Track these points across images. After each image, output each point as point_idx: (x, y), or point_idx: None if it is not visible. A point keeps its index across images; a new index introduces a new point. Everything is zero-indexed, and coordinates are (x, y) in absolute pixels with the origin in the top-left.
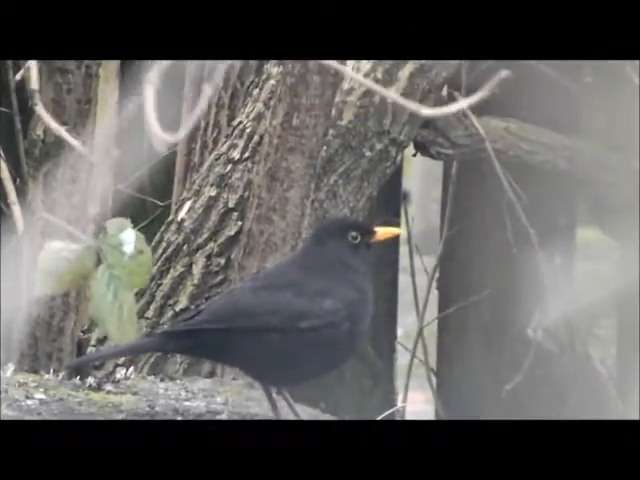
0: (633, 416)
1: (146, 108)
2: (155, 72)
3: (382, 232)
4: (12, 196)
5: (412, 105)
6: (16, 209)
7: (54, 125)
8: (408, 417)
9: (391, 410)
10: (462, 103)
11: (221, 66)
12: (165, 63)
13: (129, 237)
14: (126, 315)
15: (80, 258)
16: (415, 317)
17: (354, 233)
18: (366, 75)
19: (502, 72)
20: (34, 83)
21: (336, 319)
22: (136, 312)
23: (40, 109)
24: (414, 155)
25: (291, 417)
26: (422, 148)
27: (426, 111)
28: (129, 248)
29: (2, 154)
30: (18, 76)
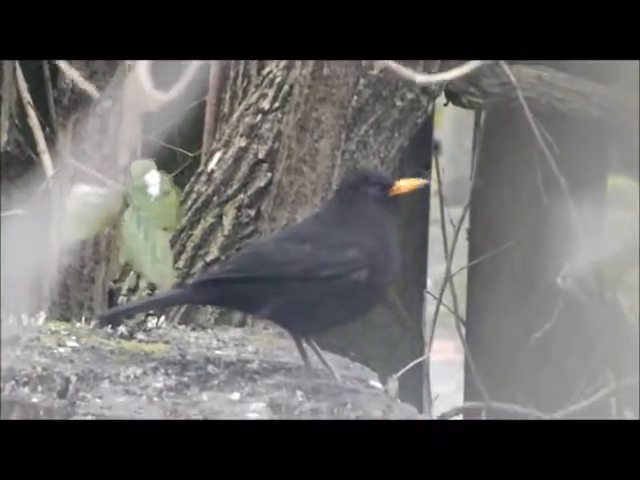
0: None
1: (138, 67)
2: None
3: (399, 185)
4: (41, 144)
5: (406, 72)
6: (45, 158)
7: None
8: (438, 366)
9: (419, 359)
10: (454, 72)
11: None
12: None
13: (154, 179)
14: (160, 254)
15: (107, 202)
16: (445, 268)
17: (370, 186)
18: None
19: None
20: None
21: (356, 268)
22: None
23: None
24: (445, 104)
25: (320, 366)
26: (454, 97)
27: (420, 78)
28: (154, 190)
29: (31, 102)
30: None
